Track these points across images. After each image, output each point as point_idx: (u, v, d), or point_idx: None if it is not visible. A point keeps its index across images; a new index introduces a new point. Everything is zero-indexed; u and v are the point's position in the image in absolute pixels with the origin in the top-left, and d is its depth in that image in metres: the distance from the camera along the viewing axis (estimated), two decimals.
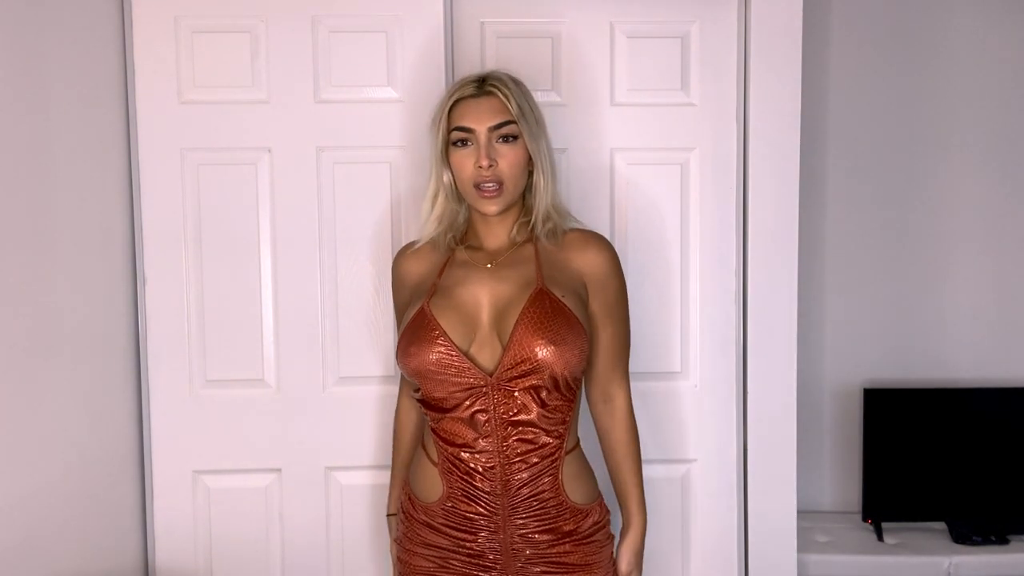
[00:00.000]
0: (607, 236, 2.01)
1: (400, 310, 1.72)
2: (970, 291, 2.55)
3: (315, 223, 2.01)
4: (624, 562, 1.65)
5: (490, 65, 2.01)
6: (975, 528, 2.40)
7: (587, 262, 1.62)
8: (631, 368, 1.74)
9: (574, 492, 1.57)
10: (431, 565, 1.60)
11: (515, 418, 1.52)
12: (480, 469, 1.54)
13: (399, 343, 1.56)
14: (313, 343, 2.03)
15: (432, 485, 1.59)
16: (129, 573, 2.01)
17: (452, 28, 2.02)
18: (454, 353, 1.51)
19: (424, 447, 1.63)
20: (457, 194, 1.63)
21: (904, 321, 2.55)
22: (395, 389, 2.03)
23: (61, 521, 1.79)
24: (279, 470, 2.06)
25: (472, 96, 1.55)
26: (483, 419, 1.52)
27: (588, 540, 1.59)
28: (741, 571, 2.12)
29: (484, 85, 1.56)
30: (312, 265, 2.02)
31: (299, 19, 1.98)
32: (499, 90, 1.55)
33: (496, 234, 1.63)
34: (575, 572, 1.58)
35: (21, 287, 1.68)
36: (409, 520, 1.64)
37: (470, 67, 2.02)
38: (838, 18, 2.47)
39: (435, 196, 1.64)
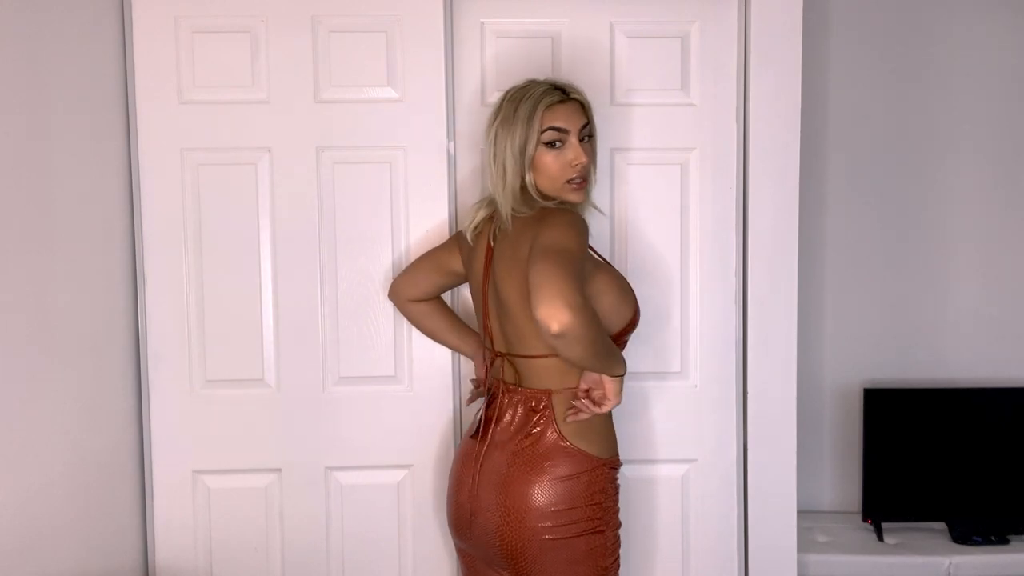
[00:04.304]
0: (607, 236, 2.07)
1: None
2: (970, 291, 2.55)
3: (315, 223, 2.01)
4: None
5: (490, 65, 2.02)
6: (975, 528, 2.40)
7: None
8: (633, 368, 1.84)
9: None
10: None
11: None
12: None
13: (635, 301, 1.76)
14: (313, 343, 2.03)
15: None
16: (129, 573, 2.01)
17: (452, 28, 2.02)
18: None
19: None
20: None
21: (904, 321, 2.55)
22: (394, 389, 2.05)
23: (61, 521, 1.79)
24: (279, 470, 2.06)
25: (560, 102, 1.67)
26: None
27: None
28: (741, 571, 2.12)
29: (567, 92, 1.69)
30: (312, 265, 2.02)
31: (299, 19, 1.98)
32: (580, 96, 1.71)
33: None
34: None
35: (21, 287, 1.68)
36: (614, 488, 1.73)
37: (470, 67, 2.03)
38: (838, 18, 2.47)
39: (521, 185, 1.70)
